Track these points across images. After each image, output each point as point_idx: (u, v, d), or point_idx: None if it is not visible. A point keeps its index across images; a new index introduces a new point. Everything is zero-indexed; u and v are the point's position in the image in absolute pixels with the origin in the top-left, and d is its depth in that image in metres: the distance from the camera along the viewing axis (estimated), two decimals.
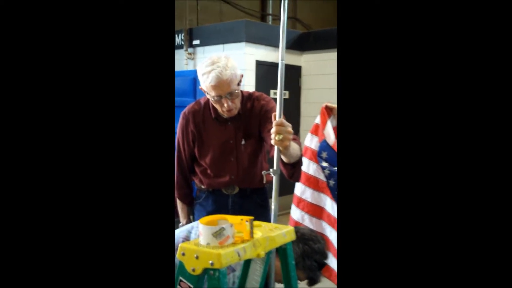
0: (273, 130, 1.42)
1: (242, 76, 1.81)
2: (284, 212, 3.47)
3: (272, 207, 1.53)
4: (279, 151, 1.50)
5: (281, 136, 1.40)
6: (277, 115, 1.46)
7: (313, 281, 1.66)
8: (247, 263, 1.40)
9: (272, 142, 1.43)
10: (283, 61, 1.48)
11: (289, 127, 1.42)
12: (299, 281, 1.56)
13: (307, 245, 1.61)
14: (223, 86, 1.71)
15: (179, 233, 1.65)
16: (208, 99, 1.87)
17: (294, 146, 1.54)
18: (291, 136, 1.43)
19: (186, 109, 1.95)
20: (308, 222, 2.68)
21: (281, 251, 1.33)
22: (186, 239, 1.60)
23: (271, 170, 1.51)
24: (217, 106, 1.82)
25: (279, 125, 1.41)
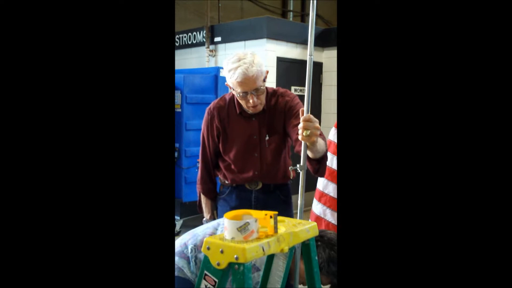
0: (300, 125, 1.42)
1: (267, 72, 1.81)
2: (306, 208, 3.48)
3: (299, 202, 1.53)
4: (306, 147, 1.50)
5: (308, 132, 1.41)
6: (305, 111, 1.46)
7: (336, 287, 1.65)
8: (270, 258, 1.41)
9: (300, 137, 1.43)
10: (312, 57, 1.48)
11: (316, 123, 1.42)
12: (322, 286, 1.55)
13: (333, 251, 1.59)
14: (249, 83, 1.72)
15: (205, 229, 1.66)
16: (233, 95, 1.89)
17: (320, 141, 1.55)
18: (318, 132, 1.43)
19: (211, 105, 1.97)
20: (330, 216, 2.67)
21: (304, 246, 1.33)
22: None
23: (297, 165, 1.51)
24: (243, 102, 1.83)
25: (307, 120, 1.41)
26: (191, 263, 1.58)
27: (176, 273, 1.57)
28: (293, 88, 5.15)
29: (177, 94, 4.36)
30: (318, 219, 2.72)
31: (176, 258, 1.60)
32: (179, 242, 1.65)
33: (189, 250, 1.59)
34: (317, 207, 2.76)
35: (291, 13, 7.32)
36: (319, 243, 1.58)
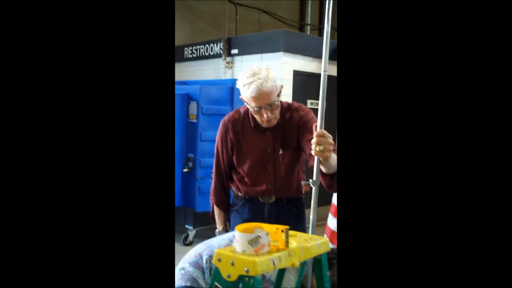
0: (313, 140, 1.42)
1: (282, 87, 1.83)
2: (319, 223, 3.46)
3: (311, 217, 1.52)
4: (319, 162, 1.50)
5: (321, 147, 1.41)
6: (318, 126, 1.46)
7: None
8: (281, 272, 1.40)
9: (313, 152, 1.44)
10: (326, 72, 1.49)
11: (329, 138, 1.42)
12: None
13: None
14: (264, 98, 1.74)
15: (221, 241, 1.67)
16: (247, 108, 1.90)
17: (333, 157, 1.54)
18: (331, 147, 1.43)
19: (225, 118, 1.99)
20: None
21: (315, 262, 1.32)
22: None
23: (310, 180, 1.51)
24: (257, 117, 1.84)
25: (320, 136, 1.41)
26: (205, 273, 1.58)
27: (190, 283, 1.58)
28: (309, 101, 5.15)
29: (193, 105, 4.40)
30: (333, 234, 2.70)
31: (191, 269, 1.60)
32: (193, 252, 1.66)
33: (204, 261, 1.59)
34: (332, 222, 2.74)
35: (309, 26, 7.36)
36: (334, 260, 1.57)
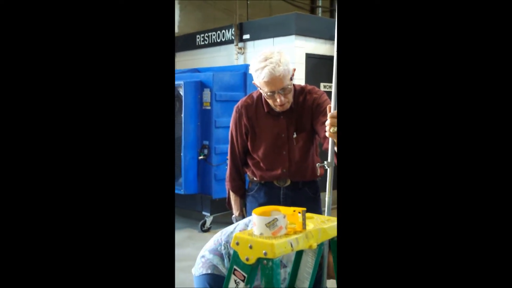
0: (327, 122, 1.42)
1: (294, 70, 1.81)
2: (333, 206, 3.45)
3: (326, 199, 1.53)
4: (334, 143, 1.50)
5: (335, 128, 1.40)
6: (332, 107, 1.46)
7: None
8: (299, 255, 1.41)
9: (327, 134, 1.43)
10: None
11: None
12: None
13: None
14: (276, 82, 1.73)
15: (237, 226, 1.68)
16: (260, 93, 1.90)
17: None
18: None
19: (239, 103, 1.99)
20: None
21: (333, 243, 1.33)
22: None
23: (325, 162, 1.51)
24: (270, 101, 1.84)
25: (334, 117, 1.41)
26: (225, 259, 1.60)
27: (211, 271, 1.60)
28: (322, 84, 5.12)
29: (207, 92, 4.41)
30: None
31: (211, 256, 1.62)
32: (212, 240, 1.68)
33: (222, 247, 1.62)
34: None
35: (320, 8, 7.28)
36: None
